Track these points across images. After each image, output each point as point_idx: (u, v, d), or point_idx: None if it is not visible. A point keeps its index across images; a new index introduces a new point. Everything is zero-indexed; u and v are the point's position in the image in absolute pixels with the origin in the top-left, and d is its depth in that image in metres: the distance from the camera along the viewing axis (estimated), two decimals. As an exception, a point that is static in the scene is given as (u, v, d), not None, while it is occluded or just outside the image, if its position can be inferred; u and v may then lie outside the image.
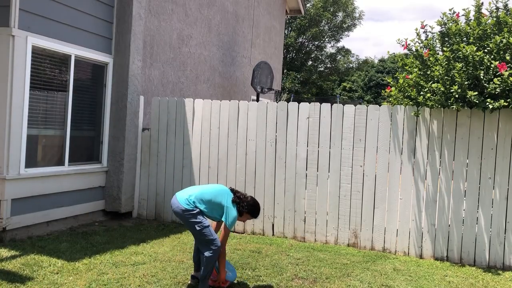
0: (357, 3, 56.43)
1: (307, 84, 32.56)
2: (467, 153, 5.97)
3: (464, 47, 5.60)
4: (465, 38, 6.01)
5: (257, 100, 11.77)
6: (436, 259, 6.05)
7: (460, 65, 5.57)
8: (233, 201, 4.40)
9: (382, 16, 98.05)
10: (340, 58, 33.66)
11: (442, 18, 6.28)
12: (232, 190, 4.52)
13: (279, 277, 4.99)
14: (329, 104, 6.62)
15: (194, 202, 4.33)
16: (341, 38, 32.41)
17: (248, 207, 4.44)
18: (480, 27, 5.83)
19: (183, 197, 4.37)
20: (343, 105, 6.59)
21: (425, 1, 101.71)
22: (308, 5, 29.72)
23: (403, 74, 6.48)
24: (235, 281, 4.74)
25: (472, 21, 6.04)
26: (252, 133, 7.00)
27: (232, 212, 4.34)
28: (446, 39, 6.25)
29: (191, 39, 10.21)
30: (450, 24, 6.17)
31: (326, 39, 32.19)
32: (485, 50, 5.73)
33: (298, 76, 31.54)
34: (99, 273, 4.82)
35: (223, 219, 4.34)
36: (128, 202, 7.51)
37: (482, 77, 5.58)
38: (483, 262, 5.87)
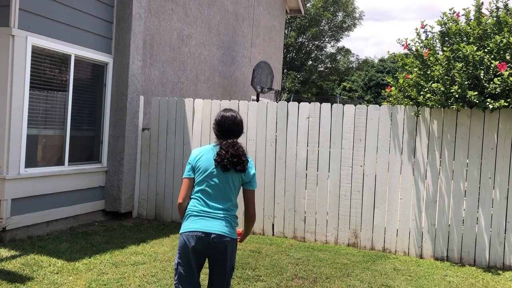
0: (357, 2, 56.49)
1: (307, 84, 32.56)
2: (467, 153, 5.97)
3: (464, 47, 5.60)
4: (465, 38, 6.01)
5: (257, 100, 11.76)
6: (436, 259, 6.05)
7: (460, 65, 5.57)
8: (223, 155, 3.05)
9: (382, 16, 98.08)
10: (340, 58, 33.66)
11: (442, 18, 6.28)
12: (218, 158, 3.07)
13: (279, 277, 4.99)
14: (329, 104, 6.62)
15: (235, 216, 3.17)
16: (341, 38, 32.42)
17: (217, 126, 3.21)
18: (480, 27, 5.82)
19: (219, 218, 3.03)
20: (343, 105, 6.59)
21: (426, 1, 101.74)
22: (308, 5, 29.72)
23: (403, 74, 6.48)
24: (236, 282, 4.75)
25: (472, 21, 6.04)
26: (252, 133, 6.99)
27: (252, 169, 3.18)
28: (446, 39, 6.25)
29: (191, 39, 10.21)
30: (450, 24, 6.17)
31: (326, 39, 32.19)
32: (485, 50, 5.73)
33: (298, 76, 31.54)
34: (99, 273, 4.82)
35: (248, 187, 3.16)
36: (128, 202, 7.51)
37: (482, 77, 5.58)
38: (483, 262, 5.87)
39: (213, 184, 3.04)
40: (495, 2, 6.00)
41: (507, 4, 5.99)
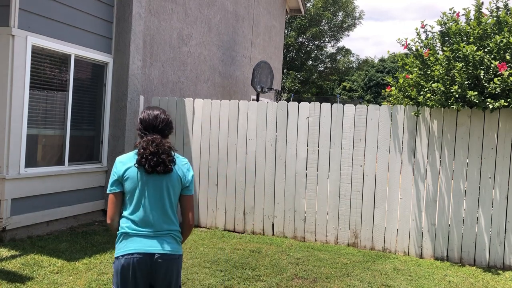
0: (357, 2, 56.45)
1: (307, 83, 32.56)
2: (467, 153, 5.97)
3: (464, 46, 5.60)
4: (465, 38, 6.01)
5: (257, 99, 11.76)
6: (436, 258, 6.05)
7: (460, 64, 5.56)
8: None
9: (383, 16, 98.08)
10: (340, 58, 33.66)
11: (442, 18, 6.28)
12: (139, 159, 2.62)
13: (279, 276, 4.99)
14: (329, 104, 6.62)
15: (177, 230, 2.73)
16: (341, 38, 32.42)
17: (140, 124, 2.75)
18: (480, 27, 5.82)
19: (162, 233, 2.64)
20: (343, 104, 6.59)
21: (426, 1, 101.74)
22: (308, 4, 29.71)
23: (403, 74, 6.48)
24: (236, 282, 4.74)
25: (472, 20, 6.04)
26: (252, 132, 6.99)
27: (190, 172, 2.77)
28: (446, 38, 6.25)
29: (191, 39, 10.21)
30: (450, 23, 6.17)
31: (326, 39, 32.20)
32: (485, 50, 5.73)
33: (298, 76, 31.54)
34: (99, 272, 4.82)
35: (186, 192, 2.75)
36: (128, 201, 7.50)
37: (482, 77, 5.58)
38: (483, 262, 5.87)
39: (146, 195, 2.60)
40: (495, 2, 5.99)
41: (507, 4, 5.98)
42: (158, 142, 2.61)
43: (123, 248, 2.59)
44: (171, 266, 2.59)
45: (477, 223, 5.92)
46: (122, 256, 2.56)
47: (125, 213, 2.65)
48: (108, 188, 2.66)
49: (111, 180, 2.65)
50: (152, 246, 2.56)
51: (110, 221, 2.68)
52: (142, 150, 2.59)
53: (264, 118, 6.94)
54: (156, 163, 2.57)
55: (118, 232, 2.67)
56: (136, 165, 2.59)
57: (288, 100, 20.76)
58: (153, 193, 2.61)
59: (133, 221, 2.61)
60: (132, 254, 2.54)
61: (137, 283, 2.55)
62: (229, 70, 12.20)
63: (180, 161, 2.73)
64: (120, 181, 2.62)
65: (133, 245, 2.57)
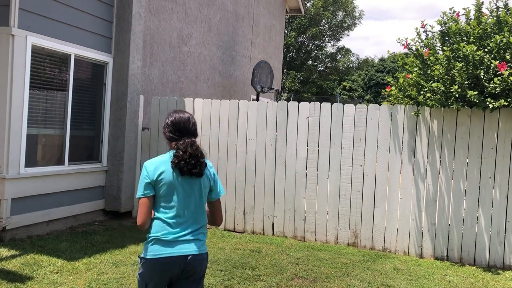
0: (357, 1, 56.46)
1: (307, 83, 32.57)
2: (467, 153, 5.97)
3: (464, 46, 5.60)
4: (465, 38, 6.01)
5: (257, 99, 11.76)
6: (436, 258, 6.05)
7: (460, 64, 5.56)
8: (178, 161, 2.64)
9: (383, 15, 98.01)
10: (340, 57, 33.68)
11: (442, 18, 6.28)
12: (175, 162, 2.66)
13: (279, 276, 4.99)
14: (329, 104, 6.62)
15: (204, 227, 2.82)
16: (341, 37, 32.44)
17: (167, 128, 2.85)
18: (480, 27, 5.82)
19: (194, 231, 2.72)
20: (343, 104, 6.59)
21: (426, 0, 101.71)
22: (308, 4, 29.71)
23: (403, 74, 6.48)
24: (236, 282, 4.75)
25: (472, 20, 6.03)
26: (252, 132, 6.99)
27: (217, 175, 2.91)
28: (446, 38, 6.25)
29: (191, 39, 10.21)
30: (450, 23, 6.17)
31: (326, 39, 32.21)
32: (485, 50, 5.72)
33: (298, 76, 31.54)
34: (99, 272, 4.82)
35: (215, 197, 2.85)
36: (128, 201, 7.51)
37: (482, 76, 5.58)
38: (483, 262, 5.87)
39: (182, 197, 2.65)
40: (495, 1, 5.99)
41: (507, 4, 5.98)
42: (197, 146, 2.70)
43: (156, 251, 2.61)
44: (202, 265, 2.69)
45: (477, 222, 5.92)
46: (154, 258, 2.60)
47: (159, 215, 2.66)
48: (141, 192, 2.64)
49: (143, 183, 2.64)
50: (186, 248, 2.63)
51: (143, 226, 2.65)
52: (181, 153, 2.63)
53: (264, 118, 6.94)
54: (194, 165, 2.64)
55: (149, 234, 2.67)
56: (173, 166, 2.63)
57: (288, 99, 20.75)
58: (188, 195, 2.68)
59: (168, 224, 2.64)
60: (166, 257, 2.59)
61: (165, 283, 2.63)
62: (229, 70, 12.20)
63: (207, 162, 2.79)
64: (153, 185, 2.64)
65: (166, 249, 2.61)
